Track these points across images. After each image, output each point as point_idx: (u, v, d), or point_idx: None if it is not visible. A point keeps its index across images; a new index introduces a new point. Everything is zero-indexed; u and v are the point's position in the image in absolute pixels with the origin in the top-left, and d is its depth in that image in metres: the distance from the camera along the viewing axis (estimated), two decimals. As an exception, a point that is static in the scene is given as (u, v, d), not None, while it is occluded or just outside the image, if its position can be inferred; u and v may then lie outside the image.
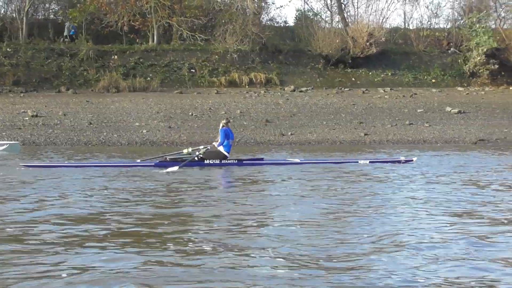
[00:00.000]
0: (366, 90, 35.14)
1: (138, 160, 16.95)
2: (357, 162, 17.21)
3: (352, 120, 29.88)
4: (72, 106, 30.28)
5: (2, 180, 13.60)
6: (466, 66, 36.62)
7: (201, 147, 17.15)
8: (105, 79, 33.25)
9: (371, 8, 39.66)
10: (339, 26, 38.51)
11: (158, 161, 16.57)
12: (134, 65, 34.70)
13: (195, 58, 35.60)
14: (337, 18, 39.90)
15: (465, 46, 37.20)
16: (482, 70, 36.35)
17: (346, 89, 35.32)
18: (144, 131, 26.93)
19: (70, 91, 32.72)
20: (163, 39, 36.79)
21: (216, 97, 32.79)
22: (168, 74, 34.83)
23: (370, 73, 36.80)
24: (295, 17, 39.76)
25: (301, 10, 39.77)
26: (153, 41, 36.36)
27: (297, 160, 17.41)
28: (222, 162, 16.83)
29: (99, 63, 34.42)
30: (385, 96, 34.14)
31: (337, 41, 36.21)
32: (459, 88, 36.14)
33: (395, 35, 39.15)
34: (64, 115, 28.86)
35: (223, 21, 36.07)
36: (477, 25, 37.60)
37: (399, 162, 17.19)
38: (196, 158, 16.66)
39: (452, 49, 38.38)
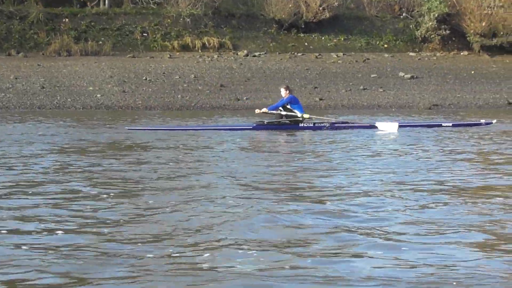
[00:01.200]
0: (319, 55, 35.45)
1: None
2: (441, 125, 18.35)
3: (306, 85, 30.23)
4: (24, 70, 30.05)
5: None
6: (418, 31, 37.07)
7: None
8: (56, 43, 32.98)
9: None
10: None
11: (255, 125, 17.86)
12: (86, 29, 34.41)
13: (147, 22, 35.41)
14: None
15: (417, 11, 37.60)
16: (433, 36, 36.82)
17: (299, 54, 35.57)
18: (98, 95, 26.99)
19: (20, 54, 32.38)
20: (114, 2, 36.48)
21: (169, 62, 32.82)
22: (120, 38, 34.62)
23: (323, 38, 37.05)
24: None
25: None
26: (104, 4, 36.07)
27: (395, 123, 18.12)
28: (300, 125, 18.19)
29: (49, 26, 34.04)
30: (339, 61, 34.52)
31: (290, 5, 36.30)
32: (411, 53, 36.66)
33: (348, 0, 39.42)
34: (16, 78, 28.67)
35: (175, -16, 35.92)
36: (429, -10, 38.02)
37: (480, 124, 18.40)
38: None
39: (404, 14, 38.75)
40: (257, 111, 18.51)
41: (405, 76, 32.04)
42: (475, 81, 31.82)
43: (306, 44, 36.65)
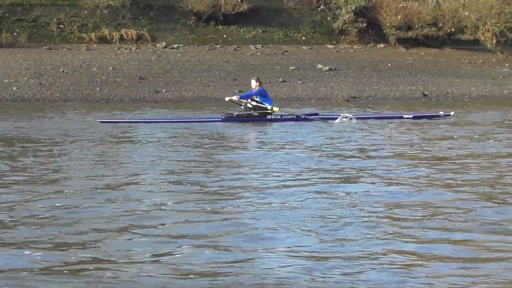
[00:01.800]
0: (238, 47, 35.62)
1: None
2: (402, 117, 19.24)
3: (225, 77, 30.40)
4: None
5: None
6: (335, 24, 37.62)
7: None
8: (-31, 34, 32.36)
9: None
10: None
11: (224, 117, 18.46)
12: (0, 20, 33.74)
13: (64, 13, 34.90)
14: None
15: (334, 3, 38.07)
16: (350, 28, 37.42)
17: (218, 46, 35.66)
18: (14, 88, 26.60)
19: None
20: (29, -8, 35.85)
21: (86, 54, 32.51)
22: (36, 30, 34.05)
23: (242, 30, 37.22)
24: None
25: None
26: (18, -6, 35.45)
27: (349, 115, 18.99)
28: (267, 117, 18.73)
29: (-39, 17, 33.35)
30: (257, 53, 34.77)
31: (208, -3, 36.38)
32: (329, 46, 37.12)
33: (266, -9, 39.64)
34: None
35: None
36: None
37: (438, 116, 19.26)
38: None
39: (321, 7, 39.20)
40: (227, 98, 19.27)
41: (323, 68, 32.50)
42: (391, 74, 32.49)
43: (224, 36, 36.76)
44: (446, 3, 36.61)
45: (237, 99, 19.01)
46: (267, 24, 37.81)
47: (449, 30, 36.85)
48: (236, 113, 18.71)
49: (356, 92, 28.66)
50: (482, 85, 30.63)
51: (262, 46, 35.99)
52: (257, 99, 18.63)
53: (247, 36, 36.98)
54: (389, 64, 34.14)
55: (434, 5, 37.09)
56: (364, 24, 37.54)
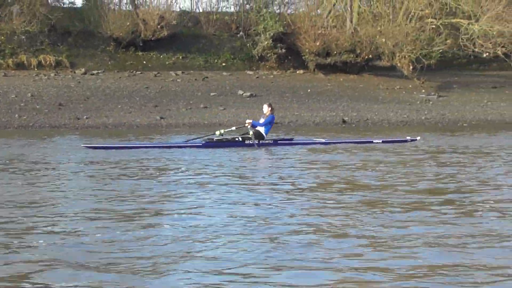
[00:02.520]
0: (158, 73, 35.79)
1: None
2: (372, 142, 19.61)
3: (146, 103, 30.51)
4: None
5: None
6: (255, 50, 38.16)
7: (234, 128, 19.91)
8: None
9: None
10: (130, 8, 38.60)
11: (205, 142, 18.56)
12: None
13: (-21, 39, 34.60)
14: (126, 0, 39.88)
15: (254, 30, 38.70)
16: (270, 54, 37.99)
17: (138, 72, 35.77)
18: None
19: None
20: None
21: (4, 80, 32.17)
22: (-50, 55, 33.67)
23: (162, 56, 37.44)
24: (83, -2, 39.34)
25: (88, -9, 39.27)
26: None
27: (322, 140, 19.69)
28: (261, 142, 18.86)
29: None
30: (178, 80, 34.98)
31: (128, 23, 36.49)
32: (249, 72, 37.60)
33: (186, 18, 39.94)
34: None
35: (9, 0, 35.26)
36: (264, 10, 39.21)
37: (406, 141, 19.74)
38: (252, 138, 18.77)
39: (241, 33, 39.76)
40: (248, 122, 19.28)
41: (244, 94, 32.90)
42: (311, 99, 33.08)
43: (144, 62, 36.89)
44: (364, 30, 37.52)
45: (250, 124, 19.16)
46: (187, 50, 38.13)
47: (366, 57, 37.76)
48: (216, 138, 18.75)
49: (277, 118, 28.67)
50: (400, 111, 31.47)
51: (182, 72, 36.23)
52: (259, 129, 19.11)
53: (167, 62, 37.19)
54: (309, 90, 34.75)
55: (352, 32, 37.98)
56: (283, 50, 38.16)
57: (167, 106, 30.31)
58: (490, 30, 35.68)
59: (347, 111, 31.02)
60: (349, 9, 38.65)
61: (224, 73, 36.88)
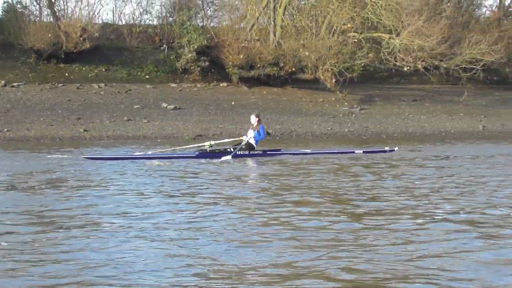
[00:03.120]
0: (81, 85, 35.49)
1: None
2: (354, 152, 20.69)
3: (69, 116, 30.22)
4: None
5: None
6: (179, 62, 38.20)
7: (227, 140, 21.34)
8: None
9: (82, 3, 39.44)
10: (51, 20, 38.23)
11: (198, 153, 19.51)
12: None
13: None
14: (47, 12, 39.47)
15: (177, 43, 38.76)
16: (193, 67, 38.09)
17: (60, 84, 35.37)
18: None
19: None
20: None
21: None
22: None
23: (84, 69, 37.18)
24: (3, 10, 38.76)
25: (9, 2, 38.70)
26: None
27: (308, 150, 20.61)
28: (251, 152, 19.84)
29: None
30: (101, 92, 34.77)
31: (49, 35, 36.12)
32: (172, 85, 37.61)
33: (108, 30, 39.80)
34: None
35: None
36: (188, 23, 39.30)
37: (384, 151, 20.80)
38: (243, 148, 19.81)
39: (164, 45, 39.80)
40: (244, 141, 20.09)
41: (168, 107, 32.91)
42: (235, 112, 33.29)
43: (66, 74, 36.55)
44: (287, 44, 37.98)
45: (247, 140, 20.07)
46: (110, 63, 37.99)
47: (290, 70, 38.20)
48: (209, 149, 19.71)
49: (202, 131, 29.10)
50: (324, 123, 31.98)
51: (105, 85, 36.01)
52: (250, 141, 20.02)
53: (89, 75, 36.94)
54: (233, 103, 34.98)
55: (275, 45, 38.41)
56: (207, 63, 38.34)
57: (91, 118, 30.07)
58: (410, 44, 36.48)
59: (271, 124, 31.25)
60: (272, 22, 39.10)
61: (148, 86, 36.80)
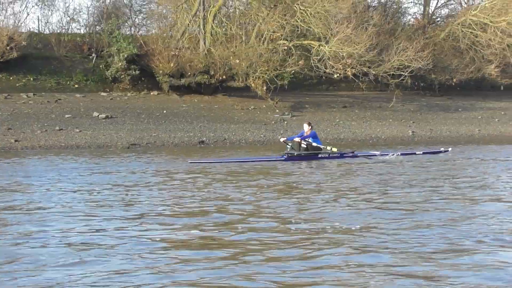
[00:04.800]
0: (9, 95, 35.14)
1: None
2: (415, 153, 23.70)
3: (-2, 126, 29.95)
4: None
5: None
6: (108, 71, 38.14)
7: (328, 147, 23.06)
8: None
9: (7, 11, 39.12)
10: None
11: (286, 156, 22.02)
12: None
13: None
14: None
15: (107, 51, 38.70)
16: (123, 76, 38.08)
17: (-13, 94, 35.03)
18: None
19: None
20: None
21: None
22: None
23: (12, 78, 36.83)
24: None
25: None
26: None
27: (377, 153, 23.10)
28: (330, 155, 22.66)
29: None
30: (30, 102, 34.48)
31: (-25, 44, 35.75)
32: (103, 93, 37.56)
33: (36, 39, 39.52)
34: None
35: None
36: (117, 32, 39.31)
37: (439, 152, 23.55)
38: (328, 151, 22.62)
39: (93, 54, 39.67)
40: (282, 139, 23.73)
41: (99, 116, 32.83)
42: (168, 120, 33.42)
43: (-7, 84, 36.19)
44: (217, 51, 38.27)
45: (285, 140, 23.04)
46: (38, 72, 37.72)
47: (220, 78, 38.54)
48: (296, 153, 22.19)
49: (135, 139, 29.20)
50: (257, 131, 32.40)
51: (34, 94, 35.75)
52: (310, 141, 22.31)
53: (17, 84, 36.62)
54: (165, 111, 35.10)
55: (206, 53, 38.68)
56: (137, 72, 38.34)
57: (21, 128, 29.83)
58: (340, 51, 37.11)
59: (205, 132, 31.56)
60: (202, 30, 39.37)
61: (78, 95, 36.65)
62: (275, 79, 37.25)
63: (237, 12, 41.33)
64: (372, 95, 43.03)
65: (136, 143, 28.75)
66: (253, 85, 37.56)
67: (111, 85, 38.64)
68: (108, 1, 43.74)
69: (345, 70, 37.96)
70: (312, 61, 38.03)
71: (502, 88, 46.12)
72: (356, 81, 39.31)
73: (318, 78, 42.13)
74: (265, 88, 37.43)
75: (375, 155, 22.67)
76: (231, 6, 42.54)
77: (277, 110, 37.38)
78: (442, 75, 43.19)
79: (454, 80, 43.26)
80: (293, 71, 38.52)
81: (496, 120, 39.43)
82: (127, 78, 38.26)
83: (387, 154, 22.89)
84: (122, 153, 25.45)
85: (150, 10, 44.29)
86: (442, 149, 24.19)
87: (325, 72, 38.58)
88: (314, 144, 22.44)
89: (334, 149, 22.62)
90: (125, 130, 30.90)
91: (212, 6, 39.82)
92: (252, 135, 31.51)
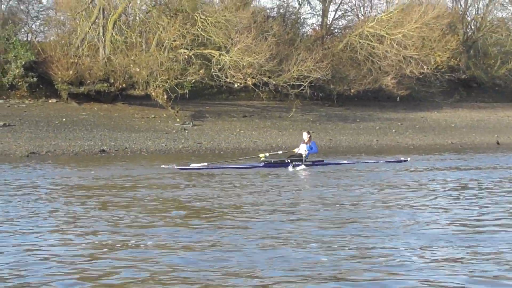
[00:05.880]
0: None
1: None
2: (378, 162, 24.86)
3: None
4: None
5: None
6: (5, 78, 37.59)
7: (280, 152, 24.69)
8: None
9: None
10: None
11: (264, 163, 22.95)
12: None
13: None
14: None
15: (3, 58, 38.11)
16: (21, 83, 37.61)
17: None
18: None
19: None
20: None
21: None
22: None
23: None
24: None
25: None
26: None
27: (345, 161, 24.47)
28: (304, 163, 23.19)
29: None
30: None
31: None
32: (0, 101, 36.97)
33: None
34: None
35: None
36: (14, 38, 38.81)
37: (400, 161, 24.81)
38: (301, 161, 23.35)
39: (-11, 61, 39.09)
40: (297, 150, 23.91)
41: (0, 123, 32.50)
42: (68, 129, 33.30)
43: None
44: (117, 59, 38.23)
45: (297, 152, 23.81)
46: None
47: (120, 86, 38.51)
48: (273, 160, 23.27)
49: (35, 148, 29.03)
50: (158, 140, 32.64)
51: None
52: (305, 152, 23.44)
53: None
54: (64, 119, 34.93)
55: (105, 61, 38.61)
56: (35, 79, 37.90)
57: None
58: (240, 61, 37.61)
59: (105, 140, 31.56)
60: (102, 38, 39.26)
61: (-30, 104, 36.12)
62: (176, 88, 37.38)
63: (137, 20, 41.42)
64: (272, 104, 43.70)
65: (35, 151, 28.58)
66: (153, 93, 37.67)
67: (8, 92, 38.11)
68: (4, 7, 43.13)
69: (246, 80, 38.44)
70: (212, 70, 38.47)
71: (398, 99, 47.34)
72: (257, 90, 39.86)
73: (218, 87, 42.32)
74: (165, 96, 37.64)
75: (344, 163, 23.92)
76: (131, 14, 42.57)
77: (177, 119, 37.58)
78: (340, 85, 43.96)
79: (352, 90, 44.07)
80: (193, 80, 38.71)
81: (393, 130, 40.70)
82: (24, 85, 37.81)
83: (355, 163, 24.35)
84: (20, 161, 25.31)
85: (48, 16, 43.98)
86: (402, 158, 25.65)
87: (225, 81, 38.92)
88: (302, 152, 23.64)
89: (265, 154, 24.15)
90: (23, 138, 30.64)
91: (111, 13, 39.75)
92: (153, 144, 31.69)
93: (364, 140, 36.99)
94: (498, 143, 38.50)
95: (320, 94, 45.60)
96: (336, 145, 35.48)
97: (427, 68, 44.24)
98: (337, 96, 45.34)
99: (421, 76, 44.87)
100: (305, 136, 23.96)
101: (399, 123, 42.83)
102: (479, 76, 51.91)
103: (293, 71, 39.74)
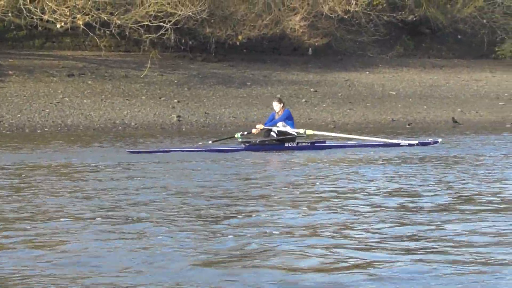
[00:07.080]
0: None
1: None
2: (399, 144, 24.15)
3: None
4: None
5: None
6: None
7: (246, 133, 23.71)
8: None
9: None
10: None
11: (247, 145, 22.88)
12: None
13: None
14: None
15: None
16: None
17: None
18: None
19: None
20: None
21: None
22: None
23: None
24: None
25: None
26: None
27: (353, 143, 24.40)
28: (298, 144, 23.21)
29: None
30: None
31: None
32: None
33: None
34: None
35: None
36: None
37: (429, 143, 24.58)
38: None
39: None
40: (254, 130, 23.37)
41: None
42: None
43: None
44: None
45: (262, 128, 23.14)
46: None
47: None
48: (259, 140, 22.99)
49: None
50: None
51: None
52: (283, 124, 22.66)
53: None
54: None
55: None
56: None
57: None
58: None
59: None
60: None
61: None
62: None
63: None
64: (115, 57, 41.16)
65: None
66: None
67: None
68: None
69: (73, 17, 36.32)
70: (20, 1, 35.59)
71: (310, 52, 45.12)
72: (91, 34, 37.29)
73: (29, 28, 39.67)
74: None
75: (350, 146, 23.87)
76: None
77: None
78: (222, 29, 41.23)
79: (240, 37, 41.70)
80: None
81: (303, 100, 38.35)
82: None
83: (368, 146, 24.18)
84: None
85: None
86: (430, 140, 25.28)
87: (41, 18, 36.50)
88: (286, 129, 22.84)
89: (310, 132, 23.13)
90: None
91: None
92: None
93: (258, 115, 34.53)
94: (455, 120, 36.18)
95: (190, 42, 42.29)
96: (215, 121, 33.63)
97: (356, 4, 42.45)
98: (217, 46, 42.48)
99: (346, 17, 43.10)
100: (277, 106, 23.04)
101: (312, 89, 40.37)
102: (434, 17, 48.71)
103: (149, 5, 37.38)
